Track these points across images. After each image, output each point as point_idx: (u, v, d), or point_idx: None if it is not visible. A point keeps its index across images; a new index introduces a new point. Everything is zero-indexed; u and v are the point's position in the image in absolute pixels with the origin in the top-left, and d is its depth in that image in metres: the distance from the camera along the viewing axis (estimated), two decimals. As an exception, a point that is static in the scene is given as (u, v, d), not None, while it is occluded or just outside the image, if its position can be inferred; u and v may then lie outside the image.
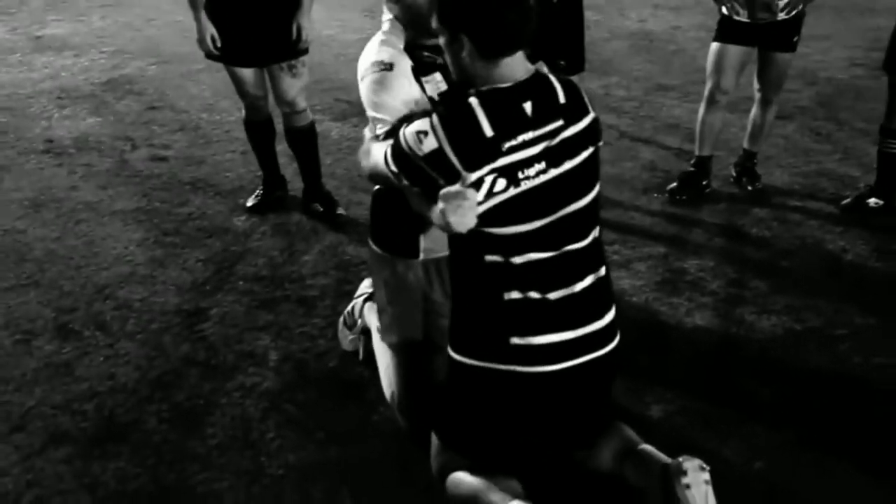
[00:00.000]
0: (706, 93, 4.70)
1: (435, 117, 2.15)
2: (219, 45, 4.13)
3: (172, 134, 5.75)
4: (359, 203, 4.63)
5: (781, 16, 4.37)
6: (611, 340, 2.36)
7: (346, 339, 3.37)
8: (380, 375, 3.00)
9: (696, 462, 2.24)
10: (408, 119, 2.34)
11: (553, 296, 2.23)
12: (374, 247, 2.85)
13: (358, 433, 2.98)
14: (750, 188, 4.87)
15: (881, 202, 4.56)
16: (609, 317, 2.35)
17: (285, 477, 2.79)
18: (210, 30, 4.11)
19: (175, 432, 3.01)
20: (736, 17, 4.43)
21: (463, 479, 2.38)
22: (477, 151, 2.12)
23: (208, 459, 2.87)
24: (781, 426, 3.02)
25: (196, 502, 2.70)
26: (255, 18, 4.09)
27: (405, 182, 2.27)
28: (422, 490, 2.65)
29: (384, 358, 2.94)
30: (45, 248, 4.27)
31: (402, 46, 2.55)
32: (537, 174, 2.16)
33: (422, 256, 2.77)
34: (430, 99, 2.52)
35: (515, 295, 2.22)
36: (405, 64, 2.52)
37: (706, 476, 2.21)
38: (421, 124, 2.17)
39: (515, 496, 2.28)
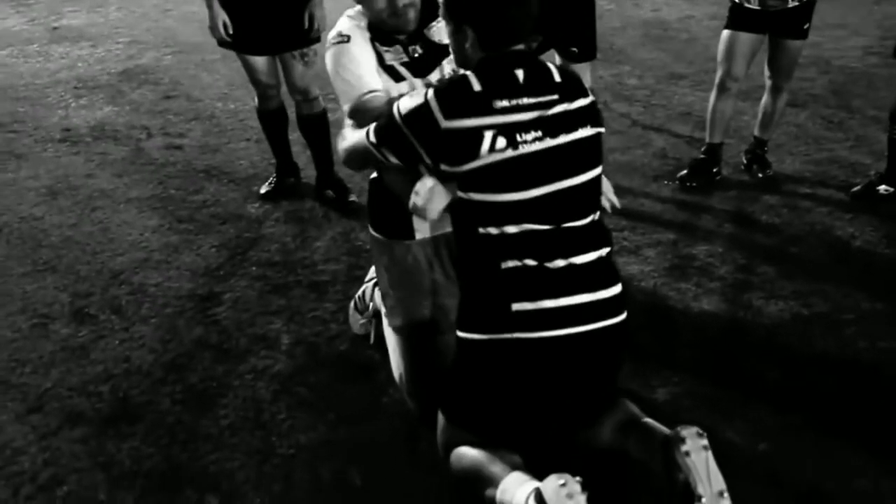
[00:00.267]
0: (717, 80, 4.71)
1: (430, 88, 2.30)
2: (231, 31, 4.18)
3: (187, 123, 5.81)
4: (371, 190, 4.68)
5: (792, 3, 4.38)
6: (617, 314, 2.37)
7: (357, 322, 3.41)
8: (390, 358, 3.04)
9: (694, 429, 2.25)
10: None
11: (551, 265, 2.27)
12: (372, 232, 2.92)
13: (367, 414, 3.03)
14: (760, 175, 4.88)
15: (891, 189, 4.56)
16: (615, 290, 2.37)
17: (295, 456, 2.84)
18: (222, 16, 4.16)
19: (188, 413, 3.06)
20: (747, 5, 4.43)
21: (465, 452, 2.42)
22: (461, 102, 2.23)
23: (220, 439, 2.93)
24: (787, 409, 3.05)
25: (208, 481, 2.75)
26: (267, 6, 4.14)
27: (387, 155, 2.36)
28: (430, 469, 2.69)
29: (392, 339, 2.98)
30: (62, 235, 4.33)
31: (364, 23, 2.66)
32: (534, 140, 2.23)
33: (417, 236, 2.83)
34: (390, 67, 2.65)
35: (512, 263, 2.27)
36: (362, 35, 2.64)
37: (704, 442, 2.22)
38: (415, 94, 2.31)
39: (515, 468, 2.32)
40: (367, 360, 3.28)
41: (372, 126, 2.39)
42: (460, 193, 2.29)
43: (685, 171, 4.82)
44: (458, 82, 2.27)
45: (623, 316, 2.41)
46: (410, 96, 2.32)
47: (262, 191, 4.70)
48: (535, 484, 2.18)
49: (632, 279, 3.82)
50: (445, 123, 2.21)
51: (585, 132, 2.31)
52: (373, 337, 3.33)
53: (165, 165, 5.14)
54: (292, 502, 2.67)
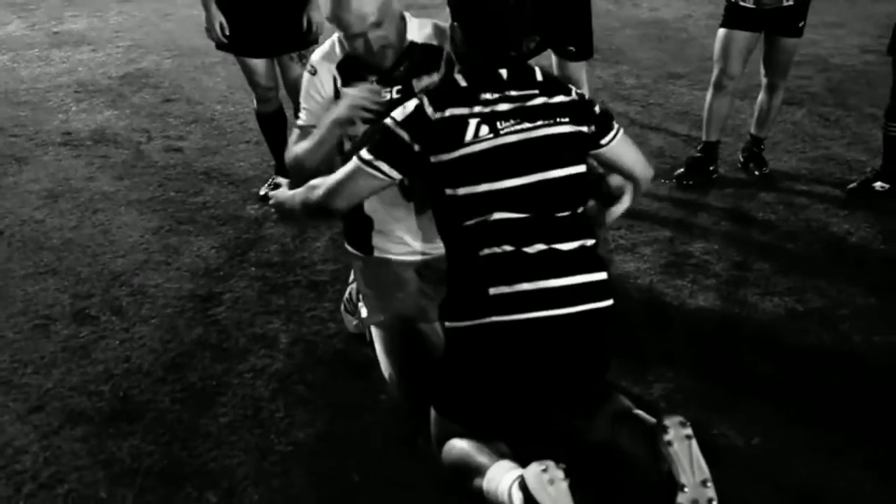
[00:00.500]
0: (713, 78, 4.74)
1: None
2: (227, 33, 4.21)
3: (187, 125, 5.85)
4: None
5: (787, 1, 4.41)
6: (599, 299, 2.40)
7: (350, 323, 3.45)
8: (378, 356, 3.08)
9: (677, 419, 2.26)
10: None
11: (529, 249, 2.34)
12: (346, 244, 3.14)
13: (365, 411, 3.05)
14: (757, 173, 4.91)
15: (887, 186, 4.59)
16: (597, 276, 2.41)
17: (294, 453, 2.87)
18: (219, 18, 4.20)
19: (188, 412, 3.09)
20: (742, 3, 4.47)
21: (454, 444, 2.46)
22: (449, 95, 2.38)
23: (220, 437, 2.95)
24: (781, 403, 3.07)
25: (208, 478, 2.77)
26: (265, 9, 4.17)
27: (381, 168, 2.44)
28: (426, 463, 2.70)
29: (377, 339, 3.04)
30: (63, 237, 4.36)
31: (338, 57, 2.80)
32: (514, 126, 2.36)
33: (375, 254, 3.01)
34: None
35: (489, 250, 2.35)
36: (328, 69, 2.80)
37: (688, 431, 2.24)
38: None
39: (502, 457, 2.35)
40: (364, 358, 3.30)
41: (364, 147, 2.47)
42: (448, 191, 2.37)
43: (682, 170, 4.85)
44: (446, 82, 2.45)
45: (607, 302, 2.44)
46: (401, 108, 2.42)
47: (262, 192, 4.72)
48: (520, 471, 2.21)
49: (628, 276, 3.85)
50: (435, 115, 2.34)
51: (566, 128, 2.41)
52: (368, 335, 3.35)
53: (165, 168, 5.17)
54: (291, 498, 2.69)
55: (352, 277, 3.45)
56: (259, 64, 4.33)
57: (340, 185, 2.52)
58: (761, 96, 4.86)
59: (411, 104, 2.39)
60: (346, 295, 3.46)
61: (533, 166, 2.36)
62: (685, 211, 4.52)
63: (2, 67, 7.27)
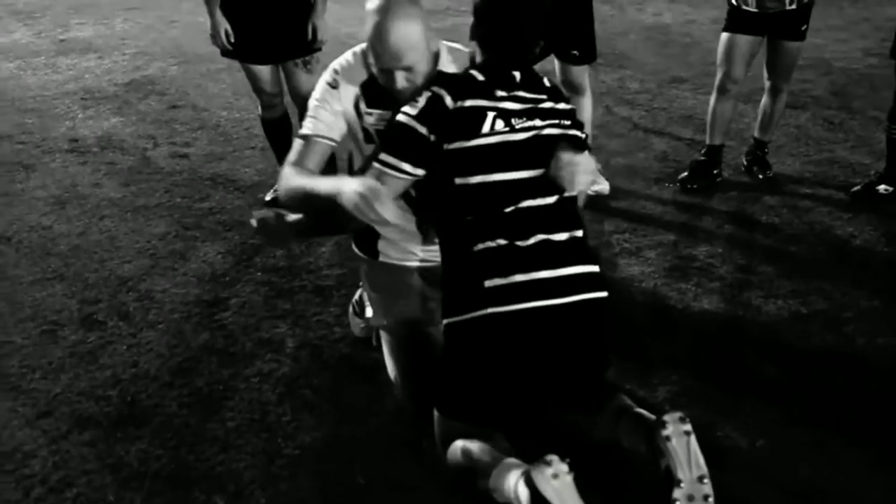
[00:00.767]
0: (717, 82, 4.77)
1: None
2: (232, 39, 4.23)
3: (193, 132, 5.87)
4: (374, 196, 4.74)
5: (790, 5, 4.43)
6: (593, 289, 2.45)
7: (358, 326, 3.46)
8: (385, 359, 3.10)
9: (677, 414, 2.27)
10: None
11: (522, 243, 2.40)
12: (353, 246, 3.19)
13: (371, 414, 3.07)
14: (761, 177, 4.92)
15: (891, 189, 4.61)
16: (590, 268, 2.47)
17: (301, 456, 2.88)
18: (224, 24, 4.23)
19: (195, 416, 3.10)
20: (745, 7, 4.49)
21: (459, 445, 2.47)
22: (467, 87, 2.47)
23: (227, 441, 2.97)
24: (785, 406, 3.09)
25: (215, 481, 2.79)
26: (269, 16, 4.20)
27: (401, 166, 2.47)
28: (433, 466, 2.72)
29: (384, 341, 3.06)
30: (70, 243, 4.39)
31: (363, 76, 2.76)
32: (528, 124, 2.47)
33: (381, 258, 3.07)
34: (365, 130, 2.81)
35: (483, 245, 2.41)
36: (352, 90, 2.77)
37: (687, 427, 2.25)
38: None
39: (507, 455, 2.36)
40: (370, 362, 3.32)
41: (382, 151, 2.51)
42: (458, 180, 2.44)
43: (686, 174, 4.87)
44: (463, 75, 2.54)
45: (601, 294, 2.47)
46: (411, 103, 2.47)
47: (268, 198, 4.75)
48: (525, 467, 2.23)
49: (632, 280, 3.87)
50: (453, 104, 2.42)
51: (569, 131, 2.56)
52: (374, 339, 3.37)
53: (172, 174, 5.20)
54: (298, 501, 2.71)
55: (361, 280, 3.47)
56: (264, 70, 4.35)
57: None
58: (764, 100, 4.88)
59: (423, 97, 2.45)
60: (356, 297, 3.48)
61: (541, 161, 2.46)
62: (689, 214, 4.54)
63: (9, 75, 7.30)
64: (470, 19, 2.61)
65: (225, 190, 4.95)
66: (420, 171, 2.47)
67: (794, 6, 4.44)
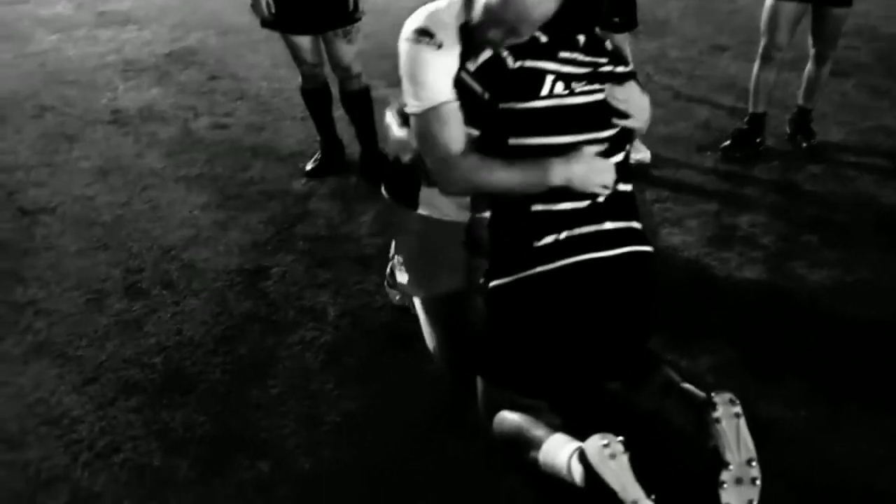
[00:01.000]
0: (760, 50, 4.68)
1: None
2: (273, 10, 4.21)
3: (233, 102, 5.89)
4: (414, 165, 4.74)
5: (836, -29, 4.34)
6: (640, 243, 2.42)
7: (394, 297, 3.48)
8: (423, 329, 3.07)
9: (727, 395, 2.26)
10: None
11: (577, 205, 2.36)
12: (387, 195, 2.85)
13: (411, 383, 3.09)
14: (805, 145, 4.85)
15: (938, 157, 4.53)
16: (634, 224, 2.43)
17: (344, 424, 2.92)
18: (265, -5, 4.21)
19: (238, 383, 3.15)
20: (790, -27, 4.41)
21: (506, 416, 2.46)
22: (528, 48, 2.36)
23: (270, 408, 3.01)
24: (829, 377, 3.07)
25: (259, 446, 2.83)
26: (310, -15, 4.18)
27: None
28: (472, 435, 2.73)
29: (421, 311, 3.00)
30: (113, 213, 4.44)
31: (455, 23, 2.37)
32: (587, 87, 2.38)
33: (420, 210, 2.74)
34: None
35: (538, 206, 2.36)
36: (453, 48, 2.35)
37: (737, 409, 2.24)
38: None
39: (557, 430, 2.36)
40: (410, 331, 3.30)
41: None
42: (512, 140, 2.36)
43: (728, 142, 4.81)
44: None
45: (647, 248, 2.44)
46: (471, 60, 2.36)
47: (308, 167, 4.76)
48: (578, 444, 2.22)
49: (674, 249, 3.84)
50: (513, 64, 2.33)
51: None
52: (412, 308, 3.37)
53: (213, 144, 5.23)
54: (342, 468, 2.74)
55: (392, 250, 3.45)
56: (304, 41, 4.34)
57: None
58: (809, 67, 4.80)
59: (485, 55, 2.36)
60: (388, 269, 3.47)
61: (600, 125, 2.41)
62: (731, 183, 4.49)
63: (50, 47, 7.35)
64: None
65: (266, 160, 4.97)
66: (473, 131, 2.40)
67: (840, -29, 4.35)
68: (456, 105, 2.37)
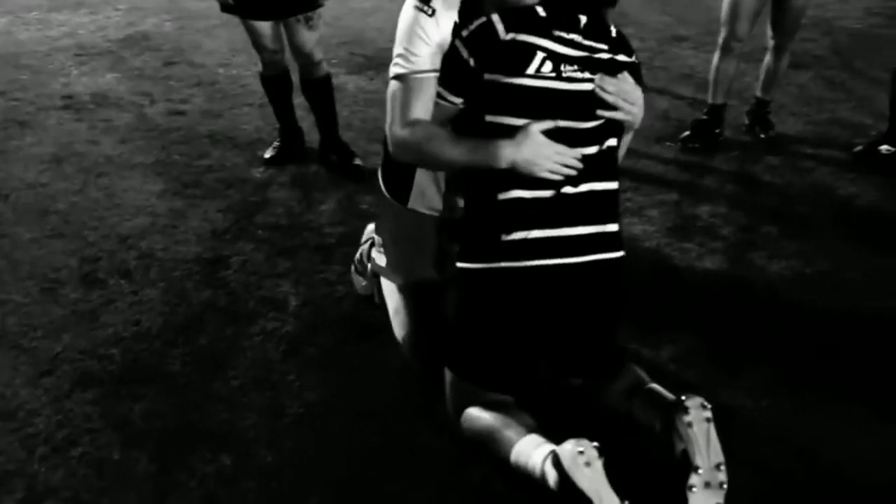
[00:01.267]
0: (720, 41, 4.72)
1: None
2: (236, -5, 4.14)
3: (190, 88, 5.81)
4: (375, 154, 4.69)
5: (795, -37, 4.38)
6: (609, 249, 2.41)
7: (360, 284, 3.44)
8: (390, 318, 3.07)
9: (699, 400, 2.28)
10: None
11: (545, 194, 2.32)
12: (381, 186, 2.93)
13: (376, 373, 3.06)
14: (763, 136, 4.90)
15: (893, 149, 4.58)
16: (609, 227, 2.41)
17: (306, 415, 2.88)
18: (226, -22, 4.14)
19: (199, 374, 3.09)
20: (750, -35, 4.43)
21: (478, 415, 2.45)
22: (523, 19, 2.30)
23: (231, 399, 2.96)
24: (789, 366, 3.09)
25: (220, 439, 2.79)
26: (271, -29, 4.12)
27: (446, 97, 2.38)
28: (440, 426, 2.72)
29: (393, 300, 3.00)
30: (68, 201, 4.35)
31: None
32: (576, 77, 2.31)
33: (410, 204, 2.84)
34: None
35: (508, 194, 2.33)
36: (448, 16, 2.42)
37: (708, 414, 2.26)
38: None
39: (530, 431, 2.35)
40: (373, 321, 3.30)
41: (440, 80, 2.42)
42: (488, 117, 2.33)
43: (687, 133, 4.84)
44: (524, 7, 2.33)
45: (617, 254, 2.43)
46: (466, 28, 2.35)
47: (267, 155, 4.71)
48: (551, 447, 2.21)
49: (635, 239, 3.85)
50: (506, 35, 2.28)
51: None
52: (377, 297, 3.35)
53: (169, 131, 5.15)
54: (305, 460, 2.70)
55: (364, 237, 3.44)
56: (265, 27, 4.27)
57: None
58: (768, 59, 4.84)
59: (477, 22, 2.31)
60: (357, 255, 3.44)
61: (582, 115, 2.35)
62: (691, 174, 4.52)
63: (1, 30, 7.21)
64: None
65: (223, 147, 4.91)
66: (458, 100, 2.37)
67: (799, -37, 4.39)
68: (432, 78, 2.41)
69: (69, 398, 3.00)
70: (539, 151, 2.27)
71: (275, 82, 4.58)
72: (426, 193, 2.79)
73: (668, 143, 4.83)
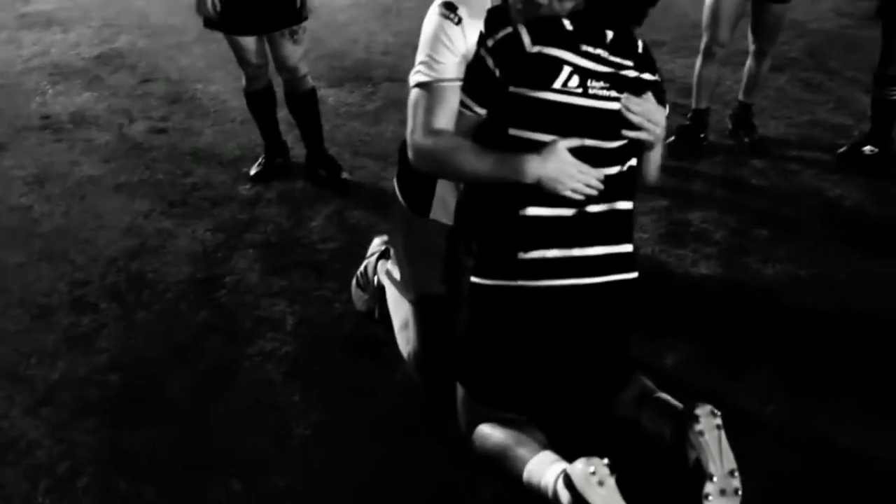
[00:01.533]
0: (702, 46, 4.73)
1: None
2: (219, 9, 4.08)
3: (169, 105, 5.75)
4: (362, 167, 4.69)
5: (774, -32, 4.41)
6: (624, 270, 2.40)
7: (361, 299, 3.42)
8: (395, 333, 3.05)
9: (708, 408, 2.28)
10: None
11: (565, 212, 2.31)
12: (399, 197, 2.87)
13: (379, 390, 3.04)
14: (747, 140, 4.92)
15: (876, 149, 4.62)
16: (624, 248, 2.41)
17: (313, 436, 2.85)
18: (211, -6, 4.08)
19: (200, 399, 3.05)
20: (729, -30, 4.46)
21: (490, 433, 2.43)
22: (551, 32, 2.25)
23: (236, 423, 2.93)
24: (790, 369, 3.11)
25: (227, 464, 2.75)
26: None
27: (471, 106, 2.35)
28: (451, 440, 2.69)
29: (400, 315, 2.97)
30: (53, 224, 4.29)
31: (482, 4, 2.39)
32: (602, 95, 2.28)
33: (432, 215, 2.79)
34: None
35: (526, 211, 2.31)
36: (474, 24, 2.37)
37: (718, 421, 2.26)
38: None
39: (542, 448, 2.34)
40: (374, 337, 3.29)
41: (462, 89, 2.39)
42: (512, 130, 2.30)
43: (672, 138, 4.85)
44: (551, 19, 2.28)
45: (631, 275, 2.43)
46: (491, 37, 2.31)
47: (252, 172, 4.67)
48: (563, 465, 2.21)
49: (629, 247, 3.86)
50: (533, 48, 2.24)
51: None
52: (378, 313, 3.34)
53: (151, 150, 5.09)
54: (315, 481, 2.68)
55: (370, 251, 3.41)
56: (250, 42, 4.23)
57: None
58: (749, 63, 4.87)
59: (503, 32, 2.27)
60: (361, 269, 3.41)
61: (608, 134, 2.33)
62: (679, 179, 4.53)
63: (-29, 51, 7.11)
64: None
65: (208, 165, 4.86)
66: (482, 110, 2.34)
67: (778, -32, 4.42)
68: (457, 87, 2.38)
69: (69, 428, 2.95)
70: (564, 170, 2.26)
71: (259, 98, 4.54)
72: (448, 203, 2.74)
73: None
